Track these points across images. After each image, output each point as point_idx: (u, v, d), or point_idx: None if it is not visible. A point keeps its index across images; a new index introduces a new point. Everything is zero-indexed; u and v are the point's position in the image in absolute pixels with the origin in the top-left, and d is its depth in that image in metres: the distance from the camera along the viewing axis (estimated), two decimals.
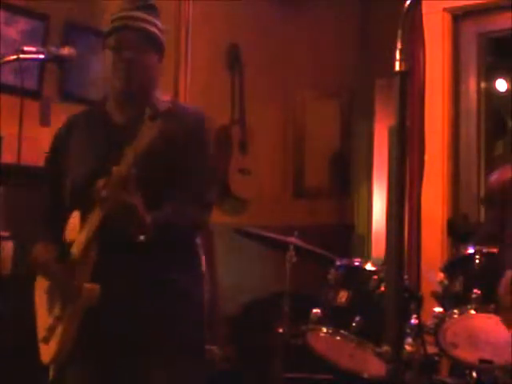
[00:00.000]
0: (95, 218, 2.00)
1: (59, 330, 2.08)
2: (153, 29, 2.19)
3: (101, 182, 1.95)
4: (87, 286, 2.01)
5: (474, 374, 2.80)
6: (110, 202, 1.93)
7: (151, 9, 2.23)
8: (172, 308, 2.14)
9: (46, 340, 2.13)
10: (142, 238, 1.99)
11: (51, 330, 2.11)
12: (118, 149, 2.03)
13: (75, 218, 2.13)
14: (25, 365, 3.16)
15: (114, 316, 2.08)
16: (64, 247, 2.13)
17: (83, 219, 2.08)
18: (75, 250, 2.07)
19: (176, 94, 4.45)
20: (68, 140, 2.28)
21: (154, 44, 2.20)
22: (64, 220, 2.18)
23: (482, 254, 2.65)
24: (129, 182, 1.93)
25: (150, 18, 2.20)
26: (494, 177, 2.94)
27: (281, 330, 3.31)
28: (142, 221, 1.97)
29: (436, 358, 2.98)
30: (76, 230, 2.11)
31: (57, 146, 2.34)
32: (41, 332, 2.18)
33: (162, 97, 2.18)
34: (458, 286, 2.69)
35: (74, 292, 2.02)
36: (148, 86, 2.21)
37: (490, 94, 4.45)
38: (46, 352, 2.15)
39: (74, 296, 2.02)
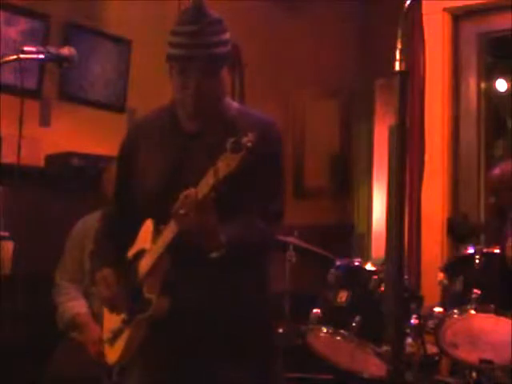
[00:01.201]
0: (170, 231, 2.01)
1: (125, 334, 2.10)
2: (219, 49, 2.09)
3: (181, 199, 1.94)
4: (158, 299, 2.03)
5: (474, 374, 2.80)
6: (187, 221, 1.93)
7: (216, 24, 2.13)
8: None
9: (111, 342, 2.15)
10: (214, 255, 1.99)
11: (117, 333, 2.13)
12: (190, 159, 2.08)
13: (148, 226, 2.12)
14: (25, 365, 3.17)
15: (179, 328, 2.09)
16: (135, 254, 2.15)
17: (157, 230, 2.08)
18: (147, 261, 2.08)
19: None
20: (139, 146, 2.22)
21: (223, 62, 2.12)
22: (131, 230, 2.17)
23: (482, 254, 2.65)
24: (207, 204, 1.93)
25: (215, 37, 2.09)
26: (495, 170, 2.96)
27: (281, 330, 3.31)
28: (217, 240, 1.97)
29: (436, 358, 2.99)
30: (148, 239, 2.11)
31: (127, 153, 2.25)
32: (106, 333, 2.20)
33: (231, 103, 2.21)
34: (458, 286, 2.69)
35: (143, 304, 2.04)
36: (218, 101, 2.16)
37: (490, 94, 4.45)
38: (111, 353, 2.18)
39: (143, 307, 2.04)
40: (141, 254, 2.12)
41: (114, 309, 2.14)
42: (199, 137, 2.13)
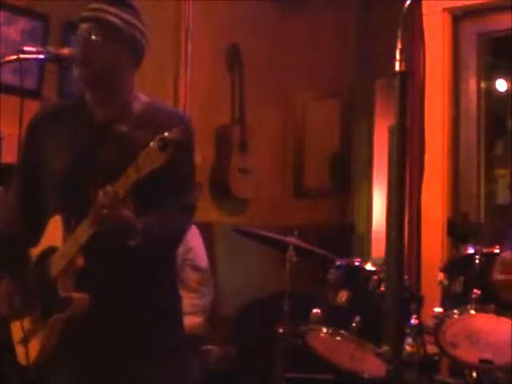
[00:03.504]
0: (85, 230, 1.98)
1: (41, 334, 2.07)
2: (113, 18, 2.17)
3: (101, 199, 1.91)
4: (76, 296, 2.00)
5: (474, 374, 2.80)
6: (109, 220, 1.92)
7: (121, 3, 2.20)
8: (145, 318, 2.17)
9: (24, 342, 2.12)
10: (131, 243, 1.99)
11: (31, 333, 2.11)
12: (97, 149, 2.08)
13: (57, 222, 2.08)
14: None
15: (96, 322, 2.07)
16: (43, 252, 2.11)
17: (68, 227, 2.04)
18: (61, 260, 2.04)
19: (176, 94, 4.45)
20: (44, 134, 2.22)
21: (115, 33, 2.18)
22: (33, 225, 2.16)
23: (482, 254, 2.65)
24: (127, 199, 1.93)
25: (113, 9, 2.17)
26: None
27: (281, 330, 3.31)
28: (133, 229, 1.98)
29: (436, 358, 2.98)
30: (58, 236, 2.07)
31: (30, 140, 2.25)
32: (16, 334, 2.17)
33: (139, 96, 2.26)
34: (458, 286, 2.68)
35: (60, 303, 2.01)
36: (110, 75, 2.20)
37: (490, 94, 4.44)
38: (24, 354, 2.14)
39: (60, 306, 2.01)
40: (50, 251, 2.08)
41: (20, 317, 2.12)
42: (107, 126, 2.15)
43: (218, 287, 4.27)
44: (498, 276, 2.42)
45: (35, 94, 3.71)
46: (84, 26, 2.22)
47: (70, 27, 3.86)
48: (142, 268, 2.12)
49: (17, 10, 3.64)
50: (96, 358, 2.12)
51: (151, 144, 1.84)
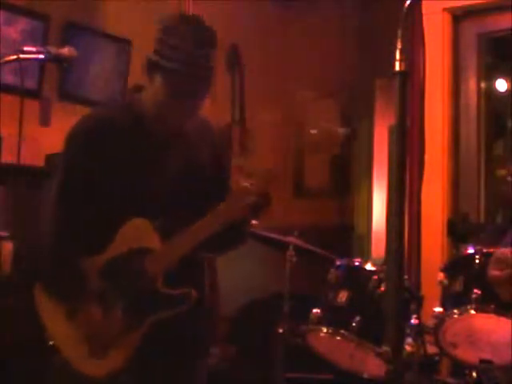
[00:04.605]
0: (209, 226, 2.10)
1: (129, 338, 2.11)
2: (212, 75, 2.21)
3: (246, 188, 2.12)
4: (193, 292, 2.11)
5: (474, 374, 2.80)
6: (259, 206, 2.11)
7: (215, 45, 2.19)
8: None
9: (102, 353, 2.13)
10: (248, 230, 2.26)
11: (112, 341, 2.12)
12: (162, 161, 2.20)
13: (140, 225, 2.15)
14: (25, 365, 3.17)
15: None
16: (129, 255, 2.15)
17: (160, 229, 2.13)
18: (166, 258, 2.13)
19: None
20: (102, 143, 2.21)
21: (211, 85, 2.25)
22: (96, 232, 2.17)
23: (482, 254, 2.65)
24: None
25: (213, 62, 2.18)
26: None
27: (281, 330, 3.31)
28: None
29: (436, 358, 2.98)
30: (145, 237, 2.14)
31: (88, 149, 2.22)
32: (81, 349, 2.16)
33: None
34: (458, 286, 2.68)
35: (163, 300, 2.11)
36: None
37: (490, 94, 4.44)
38: (99, 366, 2.14)
39: (163, 304, 2.11)
40: (139, 252, 2.13)
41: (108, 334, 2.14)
42: (167, 141, 2.22)
43: (217, 287, 4.27)
44: (492, 272, 2.43)
45: (35, 94, 3.71)
46: (189, 85, 2.17)
47: (70, 27, 3.86)
48: (203, 266, 2.29)
49: (17, 10, 3.64)
50: (162, 359, 2.18)
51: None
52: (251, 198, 2.09)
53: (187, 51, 2.10)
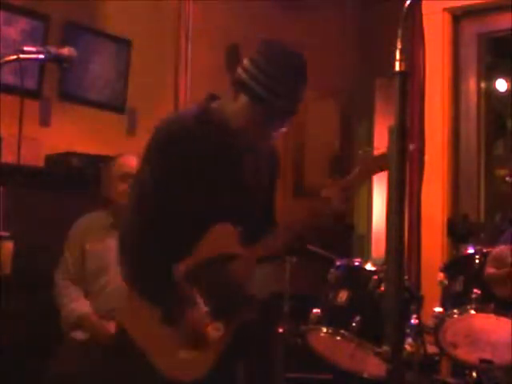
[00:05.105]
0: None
1: (221, 340, 2.15)
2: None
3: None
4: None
5: (474, 374, 2.80)
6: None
7: (307, 80, 2.26)
8: None
9: (190, 360, 2.14)
10: None
11: (199, 350, 2.15)
12: (244, 171, 2.27)
13: (224, 231, 2.19)
14: (25, 365, 3.17)
15: None
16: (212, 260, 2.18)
17: (246, 235, 2.20)
18: (251, 263, 2.22)
19: (176, 94, 4.45)
20: (186, 153, 2.20)
21: None
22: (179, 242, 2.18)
23: (482, 254, 2.65)
24: None
25: (303, 97, 2.25)
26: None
27: (281, 330, 3.31)
28: None
29: (436, 358, 2.98)
30: (226, 243, 2.19)
31: (174, 159, 2.19)
32: (181, 351, 2.17)
33: None
34: (458, 286, 2.68)
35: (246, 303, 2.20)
36: None
37: (490, 94, 4.44)
38: (188, 371, 2.15)
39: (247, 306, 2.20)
40: (224, 258, 2.18)
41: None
42: (245, 153, 2.29)
43: None
44: (489, 270, 2.44)
45: (35, 94, 3.71)
46: (282, 120, 2.27)
47: (70, 27, 3.86)
48: None
49: (17, 10, 3.64)
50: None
51: None
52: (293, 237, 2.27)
53: (286, 85, 2.15)
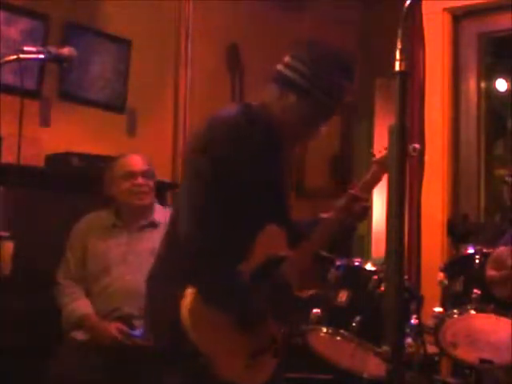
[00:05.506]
0: (329, 228, 2.34)
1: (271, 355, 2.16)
2: None
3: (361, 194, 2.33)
4: None
5: (474, 374, 2.80)
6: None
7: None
8: None
9: (254, 367, 2.14)
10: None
11: (259, 354, 2.15)
12: (283, 170, 2.28)
13: (274, 232, 2.20)
14: (25, 365, 3.17)
15: None
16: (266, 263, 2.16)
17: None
18: (298, 266, 2.22)
19: (176, 94, 4.45)
20: (241, 152, 2.14)
21: None
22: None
23: (482, 254, 2.65)
24: None
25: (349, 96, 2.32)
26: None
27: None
28: None
29: (436, 358, 2.98)
30: (278, 244, 2.20)
31: (231, 158, 2.13)
32: (247, 357, 2.14)
33: None
34: (458, 286, 2.68)
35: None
36: None
37: (490, 94, 4.45)
38: (252, 379, 2.15)
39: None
40: (274, 260, 2.16)
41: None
42: (283, 151, 2.30)
43: None
44: (489, 272, 2.44)
45: (35, 94, 3.71)
46: (331, 114, 2.37)
47: (70, 27, 3.86)
48: None
49: (17, 10, 3.63)
50: None
51: None
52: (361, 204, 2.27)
53: (333, 83, 2.20)
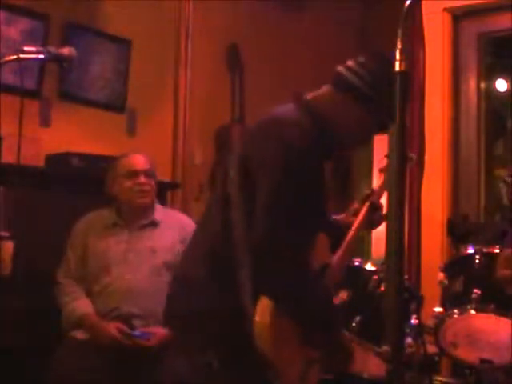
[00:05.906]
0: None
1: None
2: None
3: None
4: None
5: (474, 374, 2.80)
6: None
7: None
8: None
9: (305, 379, 2.10)
10: None
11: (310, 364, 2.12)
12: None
13: (322, 240, 2.19)
14: (25, 365, 3.17)
15: None
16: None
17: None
18: (340, 273, 2.22)
19: (176, 94, 4.45)
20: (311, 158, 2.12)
21: None
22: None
23: (482, 254, 2.65)
24: None
25: None
26: None
27: None
28: None
29: (436, 358, 2.98)
30: (324, 253, 2.18)
31: (311, 164, 2.12)
32: (293, 371, 2.09)
33: None
34: (458, 286, 2.69)
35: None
36: None
37: (490, 94, 4.44)
38: None
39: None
40: (325, 267, 2.16)
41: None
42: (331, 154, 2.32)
43: None
44: (502, 271, 2.44)
45: (35, 94, 3.71)
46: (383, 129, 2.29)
47: (70, 27, 3.86)
48: None
49: (17, 10, 3.63)
50: None
51: None
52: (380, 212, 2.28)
53: (390, 94, 2.12)
